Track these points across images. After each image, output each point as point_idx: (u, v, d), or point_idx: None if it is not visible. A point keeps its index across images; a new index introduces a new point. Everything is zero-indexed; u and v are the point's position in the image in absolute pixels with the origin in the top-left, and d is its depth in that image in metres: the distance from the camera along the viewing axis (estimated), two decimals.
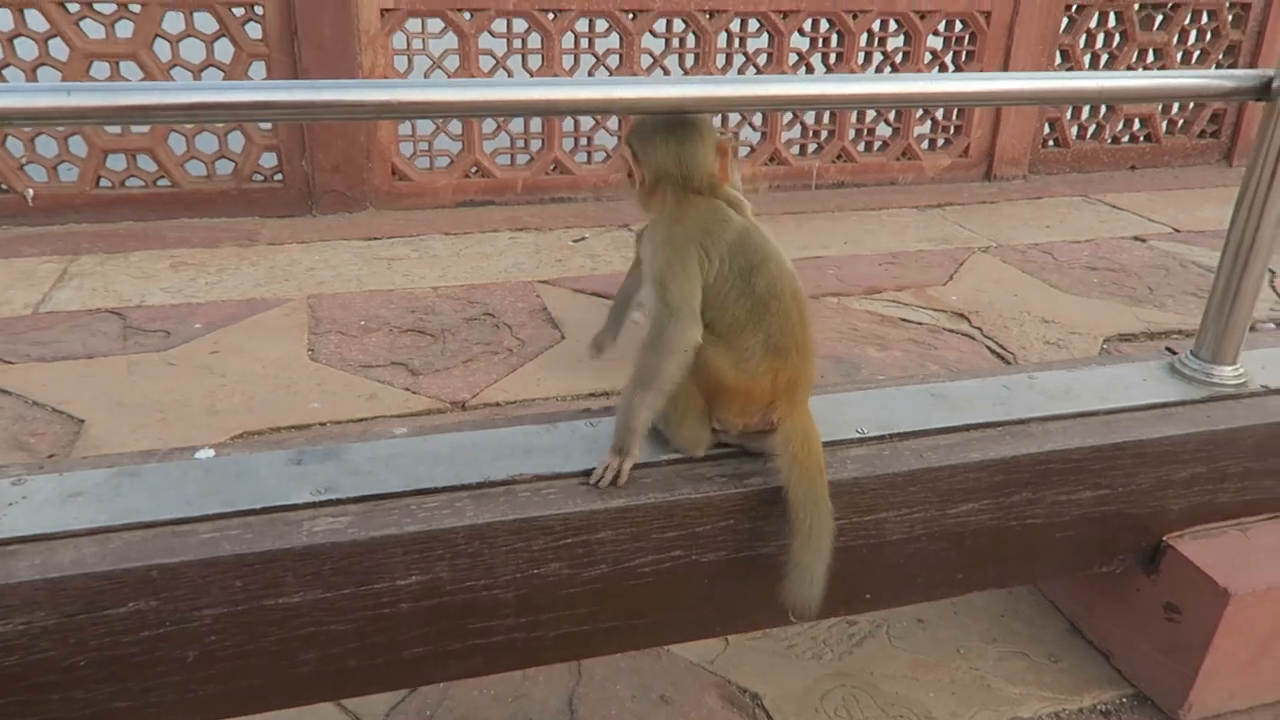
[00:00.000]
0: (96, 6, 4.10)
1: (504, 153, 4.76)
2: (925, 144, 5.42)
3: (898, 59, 5.21)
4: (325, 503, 1.39)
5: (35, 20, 4.07)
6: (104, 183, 4.30)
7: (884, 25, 5.13)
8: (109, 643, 1.28)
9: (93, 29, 4.16)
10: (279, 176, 4.43)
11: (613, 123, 4.88)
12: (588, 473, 1.49)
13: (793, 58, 5.01)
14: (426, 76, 4.52)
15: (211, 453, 1.52)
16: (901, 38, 5.18)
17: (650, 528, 1.46)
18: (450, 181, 4.63)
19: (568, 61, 4.67)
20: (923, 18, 5.08)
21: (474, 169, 4.67)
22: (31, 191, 4.18)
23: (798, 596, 1.43)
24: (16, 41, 4.10)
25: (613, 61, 4.73)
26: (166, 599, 1.29)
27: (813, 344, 1.49)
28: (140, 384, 2.80)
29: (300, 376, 2.87)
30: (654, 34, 4.79)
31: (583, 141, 4.86)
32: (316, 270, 3.72)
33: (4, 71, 4.10)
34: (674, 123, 1.48)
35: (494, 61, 4.59)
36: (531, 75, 4.61)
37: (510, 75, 4.63)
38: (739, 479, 1.50)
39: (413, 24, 4.44)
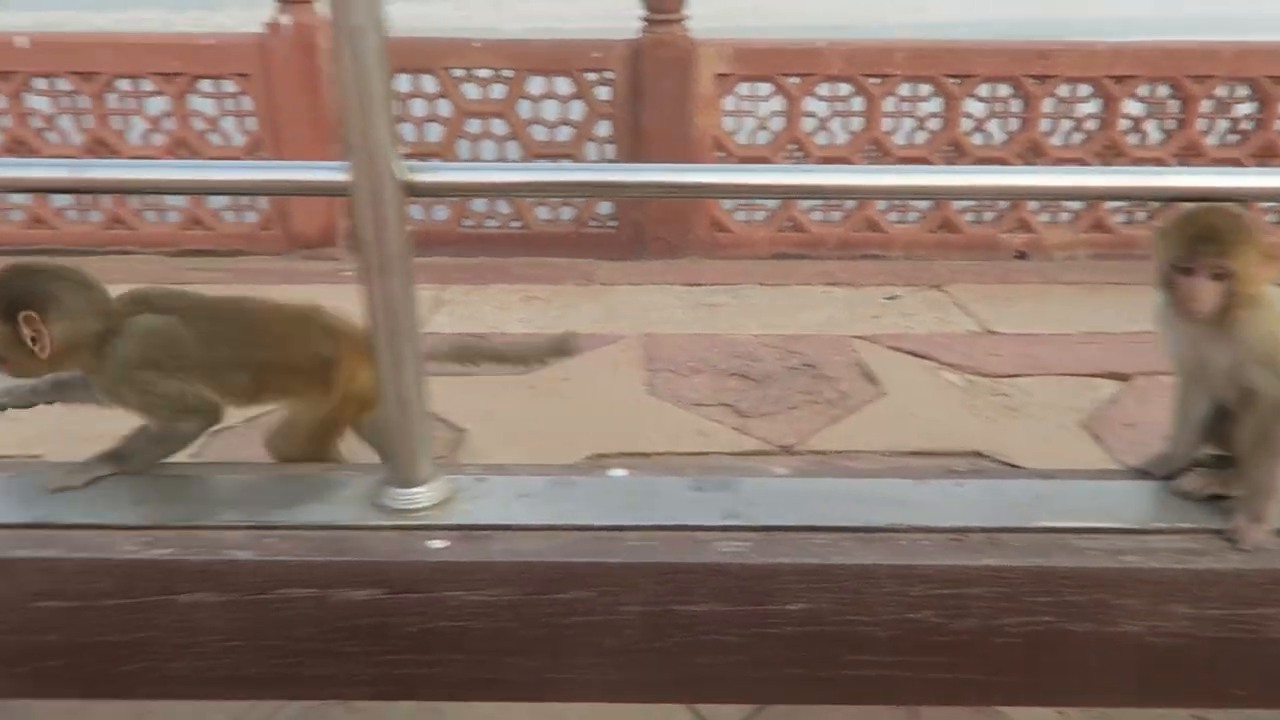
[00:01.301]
0: (475, 72, 4.75)
1: (818, 209, 4.95)
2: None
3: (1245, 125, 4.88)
4: (729, 527, 1.59)
5: (428, 83, 4.78)
6: (466, 223, 4.93)
7: (1232, 91, 4.83)
8: (552, 622, 1.55)
9: (471, 91, 4.81)
10: (613, 223, 4.88)
11: None
12: (960, 530, 1.60)
13: (1124, 124, 4.84)
14: (752, 136, 4.81)
15: (624, 472, 1.78)
16: (1255, 104, 4.86)
17: (1022, 590, 1.54)
18: (766, 234, 4.88)
19: (887, 124, 4.80)
20: (1277, 82, 4.74)
21: (789, 223, 4.89)
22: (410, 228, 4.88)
23: None
24: (411, 101, 4.83)
25: (934, 125, 4.80)
26: (600, 592, 1.54)
27: None
28: (506, 402, 3.22)
29: (639, 408, 3.18)
30: (977, 98, 4.81)
31: (896, 202, 4.95)
32: (648, 312, 4.07)
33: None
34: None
35: (816, 122, 4.80)
36: (852, 137, 4.77)
37: (830, 136, 4.82)
38: (1115, 554, 1.55)
39: (742, 87, 4.76)
